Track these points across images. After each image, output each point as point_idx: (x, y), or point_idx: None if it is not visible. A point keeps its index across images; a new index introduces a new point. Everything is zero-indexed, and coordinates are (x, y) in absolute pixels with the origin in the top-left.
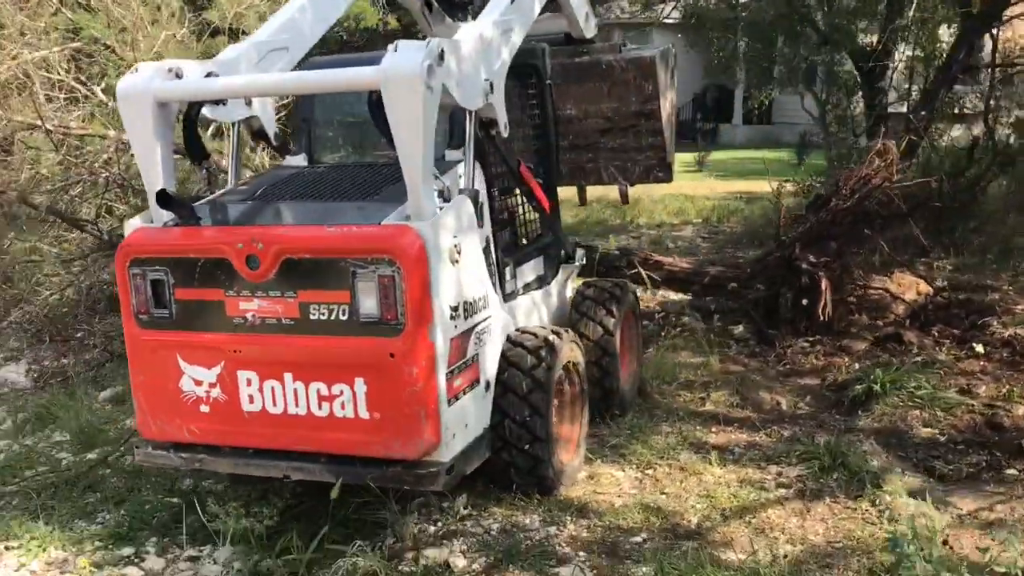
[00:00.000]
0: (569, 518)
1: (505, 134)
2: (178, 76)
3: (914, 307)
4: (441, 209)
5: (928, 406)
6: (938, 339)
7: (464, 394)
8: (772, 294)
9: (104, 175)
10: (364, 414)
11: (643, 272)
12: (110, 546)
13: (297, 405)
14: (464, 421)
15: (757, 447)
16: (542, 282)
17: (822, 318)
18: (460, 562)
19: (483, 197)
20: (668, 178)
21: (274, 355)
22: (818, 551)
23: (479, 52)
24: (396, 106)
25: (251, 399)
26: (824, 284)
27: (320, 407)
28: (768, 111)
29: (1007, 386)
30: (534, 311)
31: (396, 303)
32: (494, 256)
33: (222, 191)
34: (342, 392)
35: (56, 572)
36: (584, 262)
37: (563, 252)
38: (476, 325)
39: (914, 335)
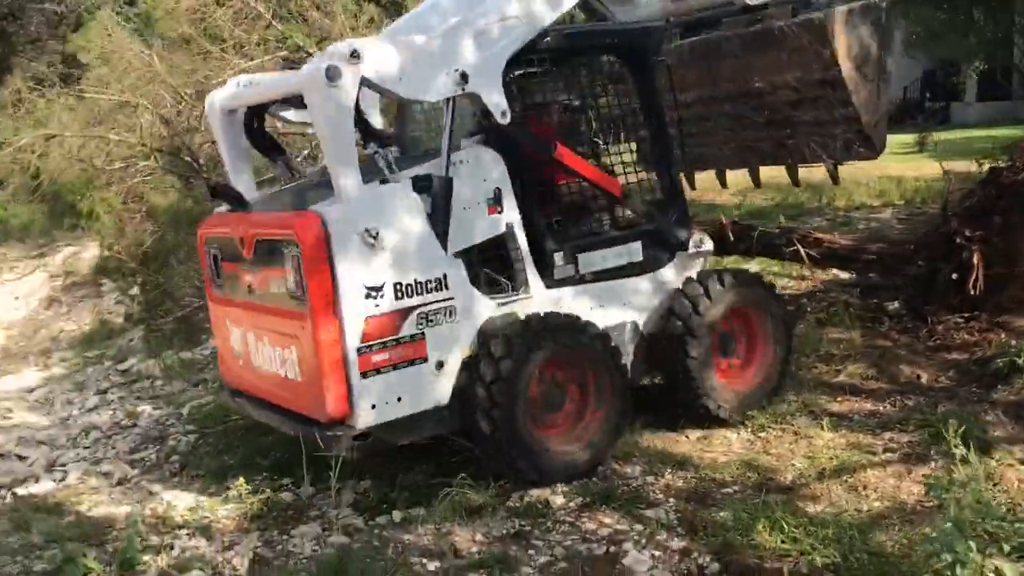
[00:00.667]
0: (669, 470)
1: (503, 121)
2: (245, 86)
3: None
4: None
5: None
6: None
7: (393, 369)
8: (931, 270)
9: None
10: (298, 377)
11: (802, 250)
12: (275, 476)
13: (272, 365)
14: (393, 395)
15: (877, 415)
16: (641, 269)
17: (973, 292)
18: (559, 500)
19: (501, 184)
20: (872, 154)
21: (259, 321)
22: (905, 508)
23: (433, 47)
24: (310, 105)
25: (256, 358)
26: (976, 258)
27: (282, 368)
28: (1006, 87)
29: None
30: (617, 298)
31: (302, 280)
32: (520, 241)
33: (298, 181)
34: (289, 356)
35: (224, 492)
36: (706, 249)
37: (677, 239)
38: (419, 306)
39: None
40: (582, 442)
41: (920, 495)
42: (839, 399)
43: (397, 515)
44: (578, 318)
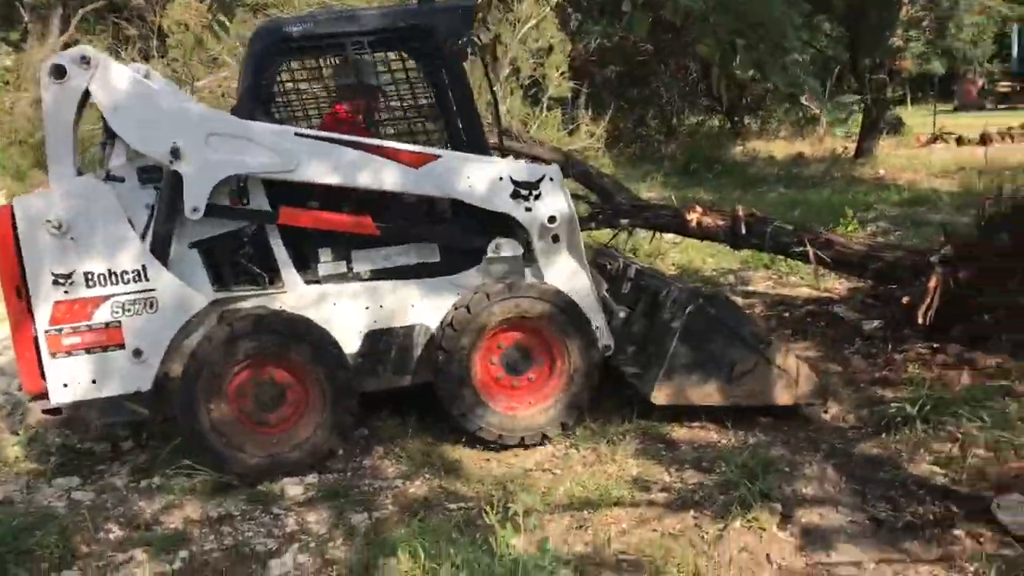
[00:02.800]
0: (428, 476)
1: (192, 217)
2: None
3: None
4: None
5: (974, 443)
6: None
7: (87, 353)
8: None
9: None
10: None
11: (811, 251)
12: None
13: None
14: (86, 377)
15: (709, 447)
16: (435, 271)
17: (921, 321)
18: (298, 490)
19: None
20: None
21: None
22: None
23: (166, 105)
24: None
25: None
26: (934, 282)
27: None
28: None
29: None
30: (403, 300)
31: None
32: (270, 236)
33: None
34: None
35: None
36: (508, 254)
37: (477, 243)
38: (113, 296)
39: None
40: (294, 441)
41: (652, 542)
42: (687, 425)
43: (157, 480)
44: (302, 320)
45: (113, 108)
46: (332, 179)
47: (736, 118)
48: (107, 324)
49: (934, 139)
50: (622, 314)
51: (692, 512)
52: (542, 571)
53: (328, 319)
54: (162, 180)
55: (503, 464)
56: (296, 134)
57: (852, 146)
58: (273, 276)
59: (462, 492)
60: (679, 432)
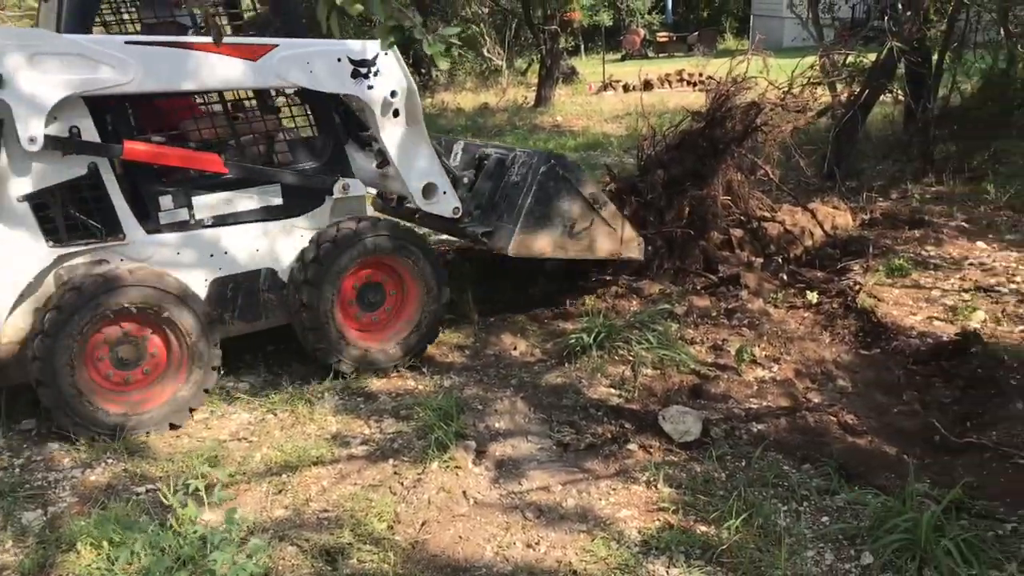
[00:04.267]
0: (111, 457)
1: (30, 148)
2: None
3: (825, 241)
4: None
5: (642, 363)
6: (789, 283)
7: None
8: None
9: None
10: None
11: None
12: None
13: None
14: None
15: (407, 395)
16: (278, 214)
17: None
18: None
19: (78, 121)
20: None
21: None
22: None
23: None
24: None
25: None
26: None
27: None
28: None
29: (768, 344)
30: (248, 245)
31: None
32: (107, 184)
33: None
34: None
35: None
36: (354, 194)
37: (322, 184)
38: None
39: (754, 278)
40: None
41: (354, 495)
42: (388, 376)
43: None
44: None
45: None
46: (172, 85)
47: (423, 70)
48: None
49: (604, 87)
50: (465, 180)
51: (392, 461)
52: (231, 544)
53: (172, 269)
54: None
55: (194, 439)
56: (127, 42)
57: (532, 95)
58: (111, 227)
59: (150, 473)
60: (377, 384)
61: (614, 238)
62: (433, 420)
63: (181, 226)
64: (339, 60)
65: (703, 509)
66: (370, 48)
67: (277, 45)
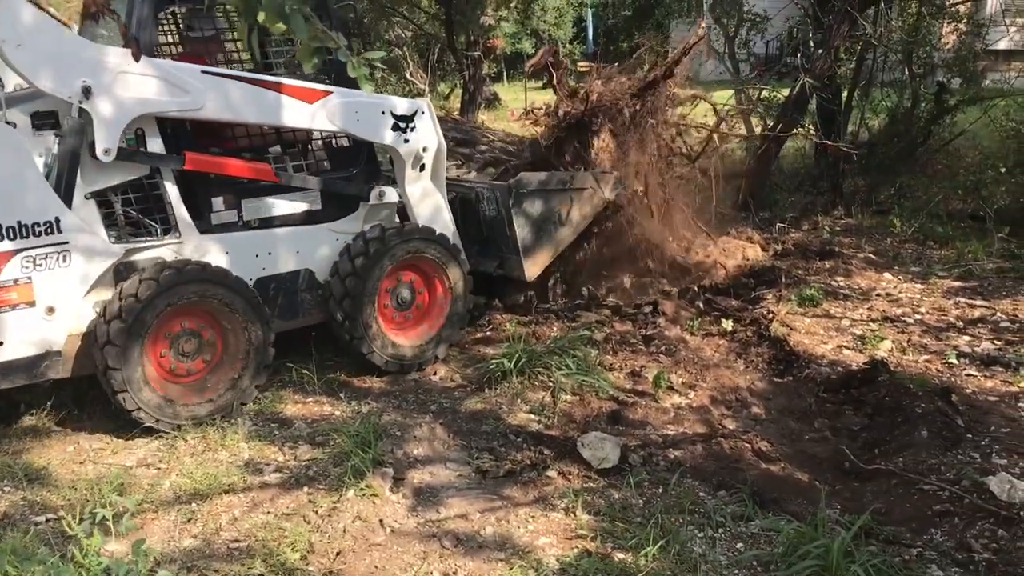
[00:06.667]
0: (9, 484)
1: (104, 159)
2: None
3: (739, 271)
4: None
5: (562, 389)
6: (705, 311)
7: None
8: None
9: None
10: None
11: None
12: None
13: None
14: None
15: (323, 420)
16: (319, 218)
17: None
18: None
19: (144, 124)
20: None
21: None
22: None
23: (74, 41)
24: None
25: None
26: None
27: None
28: None
29: (685, 371)
30: (290, 246)
31: None
32: (167, 185)
33: None
34: None
35: None
36: (389, 201)
37: (359, 190)
38: (23, 250)
39: (671, 306)
40: (205, 396)
41: (240, 526)
42: (303, 400)
43: None
44: (220, 270)
45: (16, 44)
46: (237, 117)
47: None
48: (16, 281)
49: (526, 113)
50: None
51: (306, 489)
52: (136, 575)
53: (223, 268)
54: (63, 125)
55: (100, 465)
56: (203, 72)
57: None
58: (168, 227)
59: (51, 502)
60: (292, 408)
61: (599, 195)
62: (350, 447)
63: (230, 227)
64: (383, 113)
65: (621, 536)
66: (412, 106)
67: (332, 92)
